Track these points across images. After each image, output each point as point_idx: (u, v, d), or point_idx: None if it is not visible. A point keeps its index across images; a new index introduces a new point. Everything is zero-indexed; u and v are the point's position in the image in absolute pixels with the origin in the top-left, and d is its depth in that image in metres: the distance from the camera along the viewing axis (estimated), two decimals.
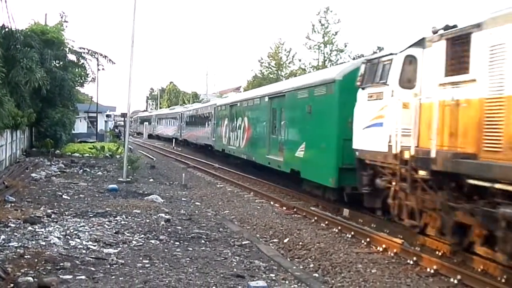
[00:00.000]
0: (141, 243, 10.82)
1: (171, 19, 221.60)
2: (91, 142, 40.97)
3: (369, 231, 12.84)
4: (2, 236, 10.48)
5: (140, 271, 8.73)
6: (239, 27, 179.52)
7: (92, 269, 8.67)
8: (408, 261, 10.57)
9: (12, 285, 7.41)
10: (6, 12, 26.41)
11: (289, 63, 62.09)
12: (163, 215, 14.11)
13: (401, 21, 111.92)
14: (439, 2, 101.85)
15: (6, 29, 24.91)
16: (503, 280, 9.05)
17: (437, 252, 10.98)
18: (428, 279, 9.54)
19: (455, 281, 9.25)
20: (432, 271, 9.89)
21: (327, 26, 55.22)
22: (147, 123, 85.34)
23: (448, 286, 9.12)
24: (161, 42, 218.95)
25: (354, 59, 49.72)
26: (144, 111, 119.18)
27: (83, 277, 8.18)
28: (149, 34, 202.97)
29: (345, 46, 55.70)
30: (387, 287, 9.03)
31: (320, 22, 55.39)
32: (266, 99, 23.12)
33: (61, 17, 37.15)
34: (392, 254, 11.14)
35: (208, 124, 38.77)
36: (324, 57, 55.71)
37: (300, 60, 60.45)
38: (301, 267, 10.16)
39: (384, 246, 11.63)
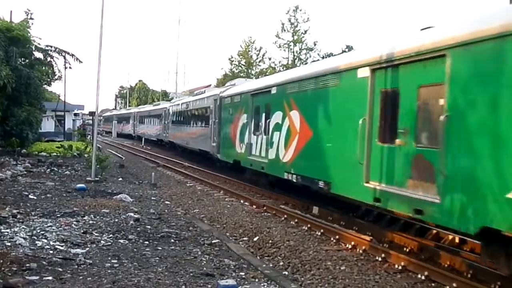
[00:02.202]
0: (109, 243, 10.71)
1: (140, 16, 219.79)
2: (58, 141, 40.48)
3: (338, 228, 12.95)
4: None
5: (109, 271, 8.64)
6: (209, 26, 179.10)
7: (60, 269, 8.55)
8: (377, 258, 10.68)
9: None
10: None
11: (259, 61, 62.33)
12: (132, 214, 13.98)
13: (369, 20, 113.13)
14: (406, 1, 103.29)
15: None
16: (469, 276, 9.22)
17: (405, 249, 11.12)
18: (396, 275, 9.66)
19: (423, 277, 9.38)
20: (400, 267, 10.01)
21: (297, 25, 55.66)
22: (115, 121, 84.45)
23: (416, 282, 9.23)
24: (130, 40, 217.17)
25: (323, 58, 50.04)
26: (113, 109, 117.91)
27: (50, 277, 8.06)
28: (118, 32, 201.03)
29: (315, 44, 56.26)
30: (356, 284, 9.09)
31: (289, 20, 55.82)
32: (365, 72, 11.80)
33: (27, 15, 36.61)
34: (361, 251, 11.25)
35: (204, 123, 29.70)
36: (294, 55, 56.02)
37: (270, 59, 60.77)
38: (271, 265, 10.18)
39: (353, 243, 11.74)
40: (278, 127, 17.13)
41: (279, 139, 17.00)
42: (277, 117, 17.34)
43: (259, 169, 18.91)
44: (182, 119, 37.83)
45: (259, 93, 19.69)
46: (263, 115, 18.86)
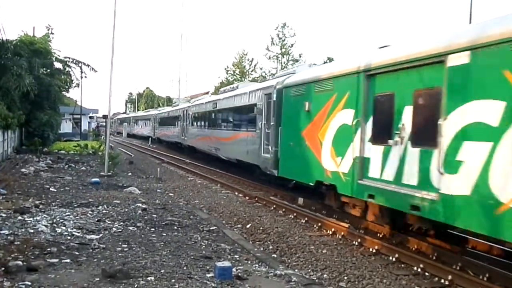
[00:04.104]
0: (120, 230, 10.67)
1: (148, 31, 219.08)
2: (75, 141, 40.40)
3: (320, 217, 12.97)
4: None
5: (119, 254, 8.61)
6: (207, 39, 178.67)
7: (76, 253, 8.51)
8: (354, 242, 10.72)
9: (3, 268, 7.21)
10: None
11: (251, 71, 62.24)
12: (140, 204, 13.94)
13: (348, 35, 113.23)
14: (381, 17, 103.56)
15: None
16: (433, 258, 9.26)
17: (378, 235, 11.15)
18: (370, 257, 9.70)
19: (394, 259, 9.42)
20: (374, 251, 10.05)
21: (284, 39, 55.66)
22: (126, 123, 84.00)
23: (388, 264, 9.27)
24: (139, 52, 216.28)
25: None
26: (123, 113, 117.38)
27: (68, 260, 8.02)
28: (129, 45, 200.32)
29: (300, 56, 56.17)
30: (336, 265, 9.12)
31: (278, 35, 55.84)
32: None
33: (48, 30, 36.53)
34: (340, 237, 11.28)
35: (247, 127, 20.16)
36: (282, 66, 55.96)
37: (261, 69, 60.64)
38: (262, 249, 10.18)
39: (333, 229, 11.76)
40: (481, 131, 7.56)
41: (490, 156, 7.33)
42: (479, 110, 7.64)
43: (404, 208, 9.43)
44: (207, 121, 28.94)
45: (401, 70, 9.87)
46: (417, 109, 9.35)
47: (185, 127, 35.50)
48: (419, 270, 8.78)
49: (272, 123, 16.56)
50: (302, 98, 14.09)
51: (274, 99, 16.45)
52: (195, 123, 32.27)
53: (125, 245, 9.27)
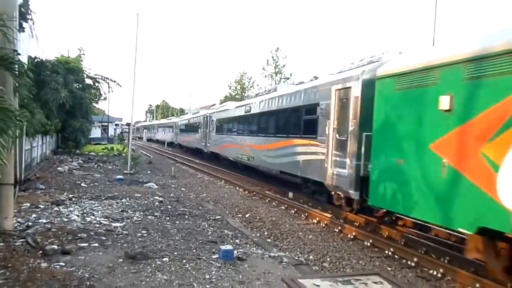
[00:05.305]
0: (140, 219, 10.56)
1: (165, 51, 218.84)
2: (103, 144, 40.33)
3: (307, 208, 12.90)
4: (34, 215, 10.08)
5: (139, 239, 8.50)
6: (214, 59, 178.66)
7: (103, 238, 8.40)
8: (335, 230, 10.66)
9: (41, 251, 7.10)
10: (38, 47, 25.91)
11: (250, 87, 62.19)
12: (157, 197, 13.83)
13: (332, 57, 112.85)
14: (363, 39, 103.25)
15: (38, 60, 24.92)
16: (402, 243, 9.20)
17: (355, 223, 11.09)
18: (349, 242, 9.65)
19: (368, 244, 9.37)
20: (351, 237, 10.00)
21: (277, 61, 55.59)
22: (146, 130, 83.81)
23: (363, 248, 9.22)
24: (158, 69, 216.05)
25: (296, 85, 49.94)
26: (144, 121, 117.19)
27: (96, 244, 7.92)
28: (149, 63, 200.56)
29: (291, 75, 56.15)
30: (320, 248, 9.07)
31: (272, 57, 55.82)
32: None
33: (80, 51, 36.35)
34: (323, 225, 11.22)
35: (310, 132, 13.37)
36: (276, 83, 55.97)
37: (258, 85, 60.62)
38: (258, 234, 10.09)
39: (318, 219, 11.69)
40: None
41: None
42: None
43: None
44: (236, 127, 23.04)
45: None
46: None
47: (207, 133, 30.33)
48: (390, 253, 8.74)
49: (351, 128, 10.58)
50: (428, 91, 7.91)
51: (357, 94, 10.51)
52: (220, 130, 26.70)
53: (144, 232, 9.17)
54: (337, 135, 11.47)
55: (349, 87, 10.93)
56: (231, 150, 23.40)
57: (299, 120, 14.27)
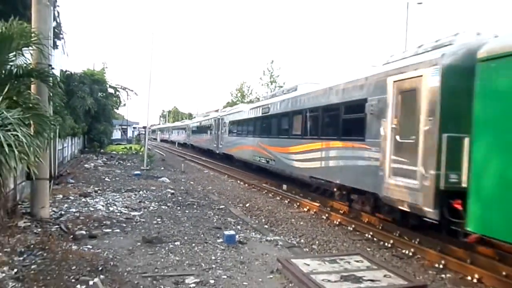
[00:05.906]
0: (155, 208, 10.68)
1: (175, 62, 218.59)
2: (123, 144, 40.44)
3: (299, 198, 13.00)
4: (66, 205, 10.20)
5: (155, 226, 8.61)
6: (216, 69, 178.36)
7: (124, 225, 8.52)
8: (323, 217, 10.77)
9: (72, 236, 7.26)
10: (68, 62, 26.25)
11: (249, 94, 62.31)
12: (169, 190, 13.92)
13: (323, 65, 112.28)
14: (355, 46, 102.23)
15: (68, 72, 25.37)
16: (380, 228, 9.34)
17: (340, 211, 11.21)
18: (334, 227, 9.76)
19: (351, 229, 9.49)
20: (337, 223, 10.11)
21: (272, 71, 55.66)
22: (159, 132, 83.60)
23: (347, 232, 9.33)
24: (169, 77, 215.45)
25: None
26: (158, 124, 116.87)
27: (118, 230, 8.03)
28: (161, 71, 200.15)
29: (284, 83, 56.22)
30: (309, 232, 9.18)
31: (268, 69, 55.98)
32: None
33: (103, 64, 36.85)
34: (313, 213, 11.33)
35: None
36: (271, 91, 56.04)
37: (256, 93, 60.70)
38: (257, 221, 10.20)
39: (308, 207, 11.80)
40: None
41: None
42: None
43: None
44: (252, 128, 19.49)
45: None
46: None
47: (219, 135, 26.95)
48: (369, 236, 8.85)
49: (425, 128, 7.26)
50: None
51: (433, 85, 7.13)
52: (233, 131, 23.23)
53: (159, 219, 9.29)
54: (397, 137, 8.13)
55: (419, 76, 7.50)
56: (247, 152, 20.02)
57: (337, 120, 10.89)
